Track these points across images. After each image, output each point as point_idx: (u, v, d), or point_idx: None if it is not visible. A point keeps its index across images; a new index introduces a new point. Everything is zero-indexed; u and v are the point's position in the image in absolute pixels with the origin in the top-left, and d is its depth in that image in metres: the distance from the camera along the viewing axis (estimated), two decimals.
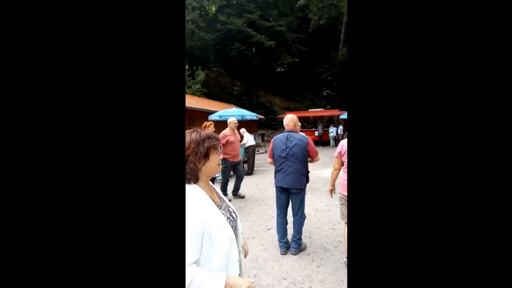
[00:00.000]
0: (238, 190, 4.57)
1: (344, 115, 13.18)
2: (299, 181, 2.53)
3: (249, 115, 8.12)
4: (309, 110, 15.35)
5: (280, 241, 2.68)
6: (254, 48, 18.79)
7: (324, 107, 17.86)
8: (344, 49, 20.10)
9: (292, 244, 2.68)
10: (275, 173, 2.65)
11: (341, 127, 12.98)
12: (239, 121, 8.91)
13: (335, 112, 13.52)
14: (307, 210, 3.39)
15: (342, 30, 21.06)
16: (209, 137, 1.00)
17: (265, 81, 23.56)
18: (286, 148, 2.54)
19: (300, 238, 2.66)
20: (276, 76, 25.58)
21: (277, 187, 2.65)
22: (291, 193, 2.59)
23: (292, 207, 2.65)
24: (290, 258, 2.56)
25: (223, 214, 1.00)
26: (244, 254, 1.17)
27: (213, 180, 4.48)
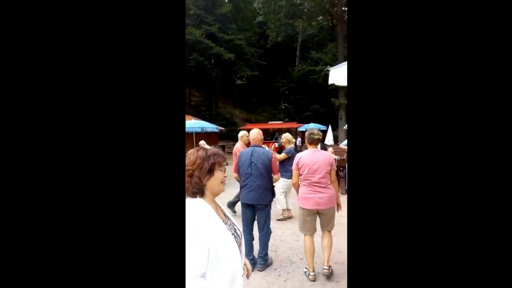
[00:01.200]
0: (235, 205, 4.24)
1: (301, 128, 13.82)
2: (263, 197, 2.50)
3: (209, 127, 7.95)
4: (269, 122, 15.76)
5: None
6: (213, 60, 18.75)
7: (282, 119, 18.50)
8: (299, 65, 21.31)
9: (258, 261, 2.59)
10: (241, 189, 2.61)
11: (299, 139, 13.53)
12: (198, 133, 8.67)
13: (293, 125, 14.16)
14: (272, 222, 3.34)
15: (298, 47, 22.43)
16: (214, 154, 1.04)
17: (224, 92, 23.59)
18: (251, 163, 2.51)
19: (267, 254, 2.60)
20: (236, 88, 25.82)
21: (242, 203, 2.59)
22: (256, 208, 2.55)
23: (258, 223, 2.60)
24: (257, 275, 2.45)
25: (229, 230, 1.00)
26: (247, 274, 1.16)
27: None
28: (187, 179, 0.99)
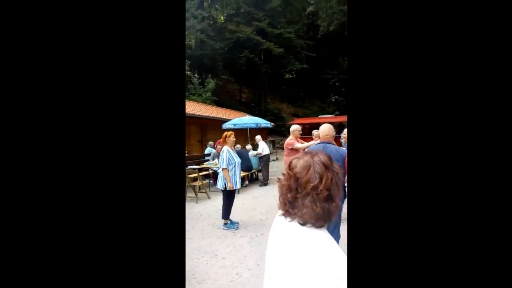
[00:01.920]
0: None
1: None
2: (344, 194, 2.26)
3: (263, 122, 8.06)
4: (319, 116, 15.24)
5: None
6: (262, 55, 18.88)
7: (332, 113, 17.73)
8: None
9: None
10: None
11: None
12: (253, 129, 8.86)
13: (344, 118, 13.38)
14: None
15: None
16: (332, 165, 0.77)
17: (272, 87, 23.61)
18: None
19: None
20: (284, 83, 25.62)
21: None
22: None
23: (335, 224, 2.36)
24: None
25: None
26: None
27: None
28: (319, 202, 0.72)
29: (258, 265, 2.63)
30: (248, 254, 2.89)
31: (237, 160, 3.56)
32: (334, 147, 2.32)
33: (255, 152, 6.95)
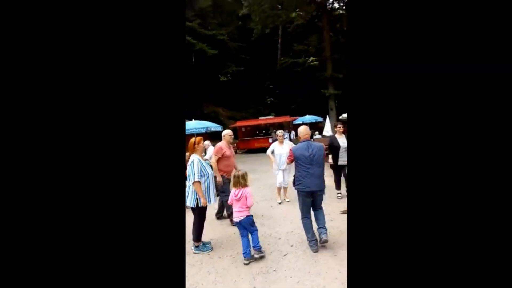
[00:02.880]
0: (223, 211, 4.00)
1: (297, 120, 13.64)
2: (323, 183, 2.84)
3: (213, 126, 7.52)
4: (260, 118, 15.42)
5: (310, 240, 2.79)
6: (194, 58, 18.02)
7: (268, 114, 18.23)
8: (282, 58, 21.14)
9: (321, 232, 2.80)
10: (300, 179, 2.78)
11: (293, 132, 13.40)
12: (202, 134, 8.23)
13: (286, 118, 13.92)
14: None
15: (279, 40, 22.19)
16: None
17: (207, 91, 22.88)
18: (310, 155, 2.77)
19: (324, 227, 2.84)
20: (219, 86, 25.20)
21: (303, 192, 2.77)
22: (315, 194, 2.81)
23: (316, 205, 2.88)
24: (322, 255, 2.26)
25: None
26: None
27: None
28: None
29: (254, 287, 2.19)
30: (236, 277, 2.41)
31: (209, 171, 3.00)
32: (316, 143, 2.99)
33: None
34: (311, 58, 17.13)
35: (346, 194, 4.50)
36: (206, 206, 2.93)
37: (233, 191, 2.75)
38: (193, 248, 3.02)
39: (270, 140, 13.31)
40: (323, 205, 2.96)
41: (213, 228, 3.73)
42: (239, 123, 14.38)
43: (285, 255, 2.76)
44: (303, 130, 2.96)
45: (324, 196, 2.97)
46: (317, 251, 2.72)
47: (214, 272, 2.55)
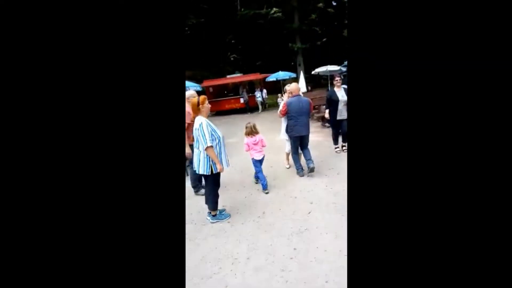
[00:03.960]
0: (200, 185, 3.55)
1: (270, 78, 13.10)
2: (309, 129, 3.73)
3: (192, 85, 6.84)
4: (227, 76, 14.55)
5: (298, 168, 3.79)
6: None
7: (233, 73, 17.23)
8: (243, 9, 19.45)
9: (309, 163, 3.66)
10: (292, 127, 3.59)
11: (265, 91, 13.06)
12: None
13: (256, 76, 13.35)
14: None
15: None
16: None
17: None
18: (300, 108, 3.54)
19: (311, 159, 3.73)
20: None
21: (295, 136, 3.61)
22: (303, 137, 3.65)
23: (303, 145, 3.74)
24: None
25: None
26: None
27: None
28: None
29: (295, 249, 2.18)
30: (270, 241, 2.36)
31: (220, 133, 2.68)
32: (305, 98, 3.72)
33: None
34: (274, 9, 16.04)
35: (344, 148, 4.63)
36: (220, 172, 2.68)
37: (250, 138, 3.47)
38: (209, 218, 2.87)
39: (242, 100, 12.85)
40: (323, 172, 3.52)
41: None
42: (206, 83, 13.41)
43: (309, 212, 2.78)
44: (294, 87, 3.75)
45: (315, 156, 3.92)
46: (303, 176, 3.74)
47: (244, 239, 2.47)
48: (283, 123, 3.90)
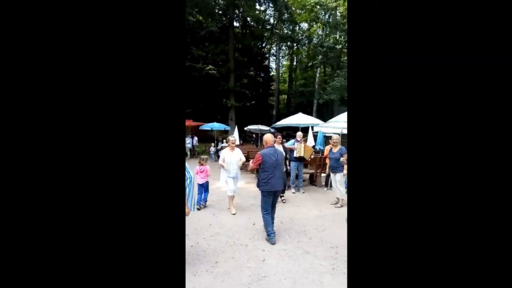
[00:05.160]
0: None
1: (204, 127, 13.22)
2: (283, 183, 3.48)
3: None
4: None
5: (270, 233, 3.22)
6: None
7: None
8: None
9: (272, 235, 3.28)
10: (266, 180, 3.19)
11: (196, 138, 13.06)
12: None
13: (189, 122, 13.37)
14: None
15: None
16: None
17: None
18: (275, 160, 3.24)
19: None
20: None
21: (268, 192, 3.20)
22: (276, 193, 3.31)
23: (274, 203, 3.36)
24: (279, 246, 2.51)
25: None
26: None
27: None
28: None
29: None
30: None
31: (192, 173, 2.61)
32: (279, 149, 3.83)
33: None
34: (209, 66, 17.46)
35: (283, 199, 5.01)
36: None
37: (199, 167, 4.57)
38: None
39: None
40: None
41: None
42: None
43: (264, 260, 2.81)
44: (270, 137, 3.48)
45: None
46: (274, 243, 3.17)
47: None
48: (222, 171, 4.41)
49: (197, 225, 3.74)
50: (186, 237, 3.37)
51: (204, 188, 4.59)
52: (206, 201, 4.61)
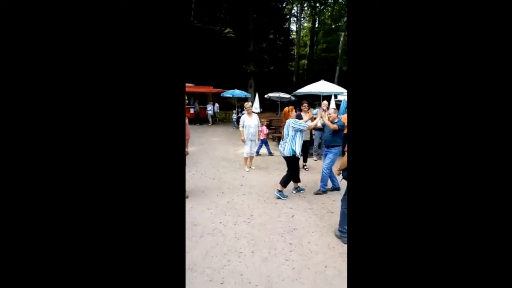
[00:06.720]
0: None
1: (226, 93, 13.32)
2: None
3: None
4: None
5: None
6: None
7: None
8: (196, 21, 19.58)
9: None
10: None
11: (217, 105, 13.29)
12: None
13: (210, 89, 13.49)
14: None
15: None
16: None
17: None
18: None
19: None
20: None
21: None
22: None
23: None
24: None
25: None
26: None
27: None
28: None
29: (291, 244, 2.55)
30: (268, 238, 2.67)
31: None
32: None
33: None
34: (228, 29, 16.89)
35: (305, 167, 5.32)
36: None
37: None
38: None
39: (192, 110, 12.68)
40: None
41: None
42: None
43: (293, 216, 3.20)
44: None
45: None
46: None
47: (241, 237, 2.69)
48: (245, 130, 4.90)
49: (229, 185, 4.18)
50: (222, 194, 3.83)
51: (263, 142, 6.39)
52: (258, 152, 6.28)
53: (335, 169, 3.54)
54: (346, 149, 2.71)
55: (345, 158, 2.44)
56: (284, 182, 3.70)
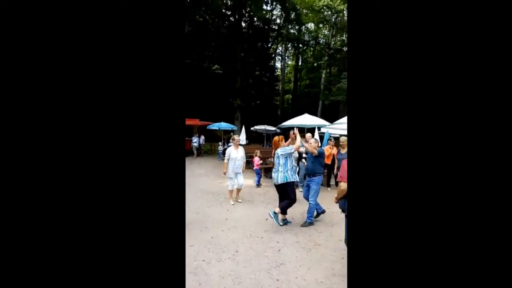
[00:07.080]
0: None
1: (212, 126, 13.47)
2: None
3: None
4: None
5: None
6: None
7: None
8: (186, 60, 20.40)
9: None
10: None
11: (203, 137, 13.34)
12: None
13: (195, 121, 13.62)
14: None
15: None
16: None
17: None
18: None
19: None
20: None
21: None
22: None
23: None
24: None
25: None
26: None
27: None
28: None
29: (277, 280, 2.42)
30: (254, 274, 2.53)
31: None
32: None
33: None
34: (216, 66, 17.65)
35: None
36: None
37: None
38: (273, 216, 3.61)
39: None
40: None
41: None
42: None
43: (279, 250, 3.08)
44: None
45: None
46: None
47: (226, 275, 2.54)
48: (229, 168, 4.79)
49: (213, 219, 4.04)
50: (206, 229, 3.68)
51: (256, 172, 6.62)
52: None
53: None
54: (338, 179, 2.64)
55: (344, 186, 2.38)
56: (283, 208, 3.69)
